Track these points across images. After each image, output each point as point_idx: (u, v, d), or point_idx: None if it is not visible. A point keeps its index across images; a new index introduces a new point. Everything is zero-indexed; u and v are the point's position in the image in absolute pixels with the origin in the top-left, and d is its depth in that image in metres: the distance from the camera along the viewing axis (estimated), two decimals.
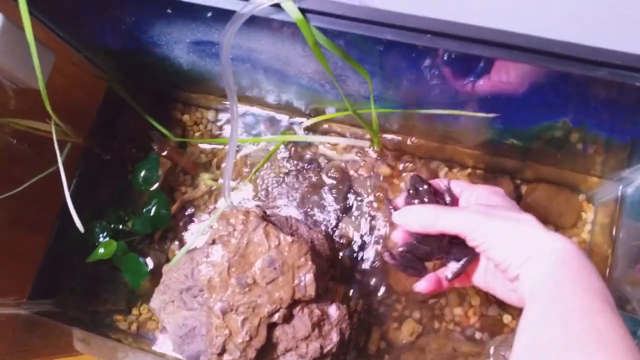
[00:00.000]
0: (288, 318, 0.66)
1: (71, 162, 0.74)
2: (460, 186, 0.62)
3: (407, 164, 0.84)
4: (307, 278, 0.65)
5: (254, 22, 0.54)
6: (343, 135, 0.87)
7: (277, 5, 0.52)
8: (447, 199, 0.61)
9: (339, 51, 0.55)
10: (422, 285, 0.63)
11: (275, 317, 0.64)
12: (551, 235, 0.49)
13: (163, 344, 0.82)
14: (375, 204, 0.83)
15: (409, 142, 0.84)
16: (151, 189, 0.85)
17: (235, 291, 0.64)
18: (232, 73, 0.59)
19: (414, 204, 0.60)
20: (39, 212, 0.86)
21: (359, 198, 0.84)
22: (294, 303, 0.65)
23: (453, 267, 0.60)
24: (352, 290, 0.79)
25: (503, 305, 0.77)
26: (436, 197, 0.61)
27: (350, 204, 0.84)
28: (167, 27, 0.66)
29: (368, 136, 0.85)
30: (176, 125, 0.92)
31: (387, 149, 0.85)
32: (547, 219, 0.80)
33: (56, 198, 0.86)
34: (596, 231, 0.79)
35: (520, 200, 0.81)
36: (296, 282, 0.65)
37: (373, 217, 0.83)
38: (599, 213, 0.79)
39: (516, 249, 0.50)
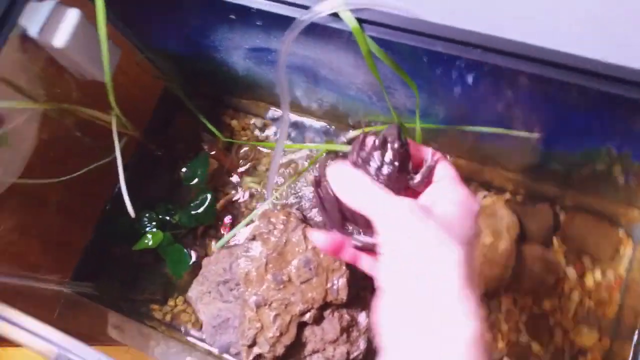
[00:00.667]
0: (318, 319, 0.67)
1: (125, 155, 0.78)
2: (444, 172, 0.47)
3: None
4: (340, 282, 0.66)
5: (311, 30, 0.57)
6: None
7: (335, 15, 0.55)
8: (417, 177, 0.47)
9: (390, 61, 0.57)
10: (321, 237, 0.50)
11: (306, 317, 0.66)
12: (468, 307, 0.35)
13: (194, 336, 0.85)
14: None
15: (449, 160, 0.85)
16: (191, 183, 0.89)
17: (270, 286, 0.66)
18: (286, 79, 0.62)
19: (371, 157, 0.49)
20: (89, 198, 0.90)
21: None
22: (325, 305, 0.67)
23: (366, 239, 0.49)
24: None
25: (533, 334, 0.76)
26: (402, 165, 0.47)
27: None
28: (229, 32, 0.70)
29: None
30: (225, 130, 0.96)
31: None
32: (584, 250, 0.79)
33: (106, 187, 0.91)
34: (634, 268, 0.77)
35: (558, 229, 0.81)
36: (329, 284, 0.66)
37: None
38: (639, 249, 0.78)
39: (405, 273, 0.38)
